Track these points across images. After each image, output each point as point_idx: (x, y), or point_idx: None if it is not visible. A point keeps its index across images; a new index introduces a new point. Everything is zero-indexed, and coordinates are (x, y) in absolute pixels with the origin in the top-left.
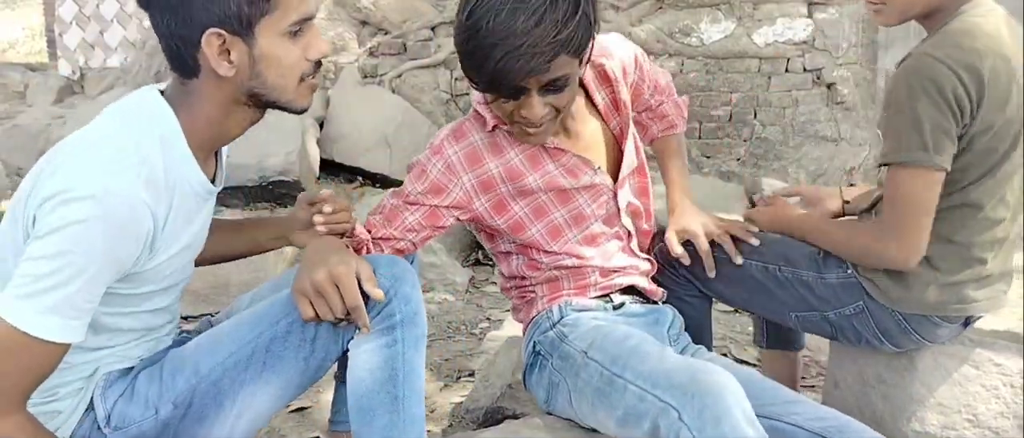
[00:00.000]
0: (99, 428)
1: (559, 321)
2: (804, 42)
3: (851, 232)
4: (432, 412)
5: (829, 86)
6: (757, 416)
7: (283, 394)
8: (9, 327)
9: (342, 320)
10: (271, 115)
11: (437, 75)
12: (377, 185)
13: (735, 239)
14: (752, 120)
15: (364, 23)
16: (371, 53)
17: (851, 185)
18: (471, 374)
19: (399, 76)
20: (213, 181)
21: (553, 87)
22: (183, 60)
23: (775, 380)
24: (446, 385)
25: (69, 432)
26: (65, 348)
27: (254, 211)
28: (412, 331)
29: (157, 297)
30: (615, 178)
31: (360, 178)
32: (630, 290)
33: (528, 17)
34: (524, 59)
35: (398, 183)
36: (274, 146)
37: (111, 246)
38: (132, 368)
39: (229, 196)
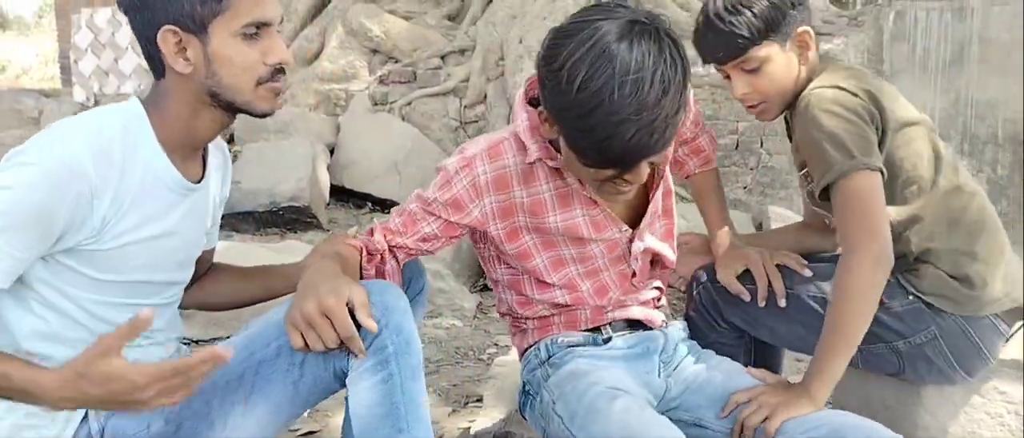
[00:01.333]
0: None
1: (546, 361)
2: None
3: (835, 297)
4: (440, 437)
5: None
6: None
7: (274, 418)
8: None
9: (334, 349)
10: (283, 143)
11: (446, 103)
12: (387, 211)
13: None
14: (759, 148)
15: (375, 51)
16: (381, 81)
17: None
18: (479, 399)
19: (409, 104)
20: (200, 181)
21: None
22: (152, 60)
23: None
24: (454, 410)
25: None
26: None
27: (265, 236)
28: (407, 361)
29: (150, 295)
30: (635, 224)
31: (370, 204)
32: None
33: (655, 88)
34: (657, 134)
35: None
36: (285, 172)
37: (38, 198)
38: None
39: (240, 221)
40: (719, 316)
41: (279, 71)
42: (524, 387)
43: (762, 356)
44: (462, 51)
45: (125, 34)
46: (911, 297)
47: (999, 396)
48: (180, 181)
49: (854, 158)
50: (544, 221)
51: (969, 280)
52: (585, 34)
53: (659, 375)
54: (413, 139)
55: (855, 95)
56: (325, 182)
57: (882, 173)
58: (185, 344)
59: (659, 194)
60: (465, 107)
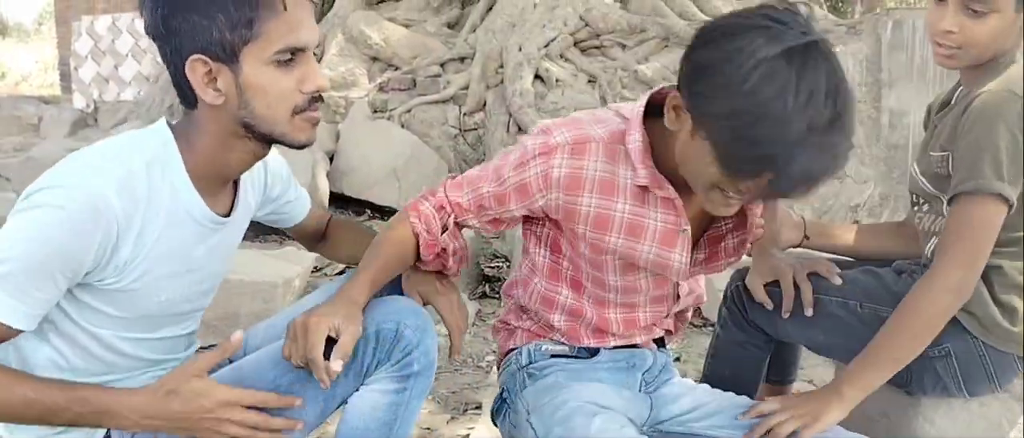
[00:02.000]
0: None
1: (527, 365)
2: None
3: (904, 311)
4: None
5: None
6: None
7: (299, 430)
8: None
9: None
10: (280, 149)
11: (446, 110)
12: (386, 218)
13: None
14: None
15: (375, 59)
16: (381, 88)
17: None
18: (478, 406)
19: (408, 111)
20: (230, 214)
21: None
22: (183, 90)
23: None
24: (453, 417)
25: None
26: (8, 331)
27: (264, 242)
28: (423, 382)
29: (168, 326)
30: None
31: (369, 211)
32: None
33: (847, 137)
34: (840, 161)
35: None
36: None
37: (64, 239)
38: None
39: None
40: (747, 314)
41: (316, 99)
42: (501, 393)
43: (779, 354)
44: (462, 59)
45: (125, 41)
46: None
47: (997, 403)
48: (208, 215)
49: (1001, 180)
50: (603, 238)
51: (1012, 311)
52: (761, 37)
53: (640, 390)
54: (412, 146)
55: None
56: (324, 189)
57: (1010, 207)
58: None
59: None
60: (465, 114)
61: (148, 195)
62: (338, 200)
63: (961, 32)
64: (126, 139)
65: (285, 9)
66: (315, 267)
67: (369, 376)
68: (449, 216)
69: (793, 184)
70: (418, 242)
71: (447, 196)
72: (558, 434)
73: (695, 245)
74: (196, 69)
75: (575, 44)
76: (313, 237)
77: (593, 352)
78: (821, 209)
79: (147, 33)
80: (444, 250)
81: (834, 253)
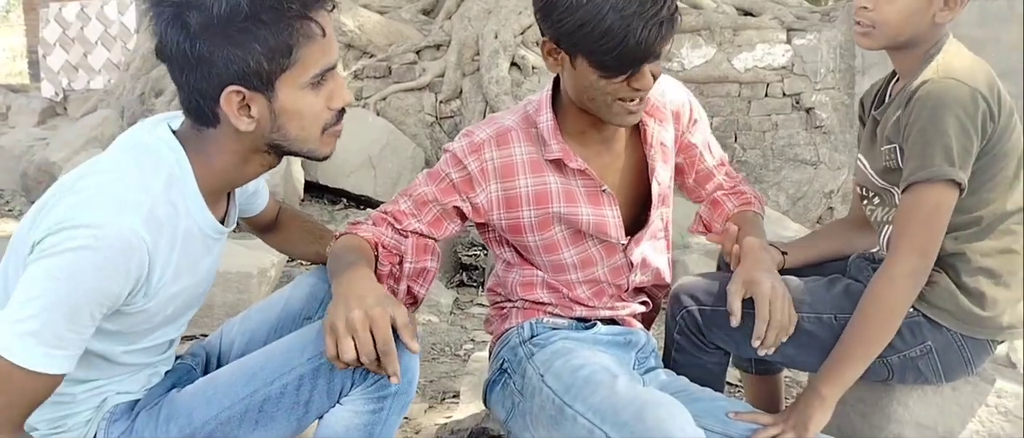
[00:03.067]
0: None
1: (529, 339)
2: (783, 67)
3: (874, 297)
4: (417, 433)
5: (808, 110)
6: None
7: None
8: (4, 360)
9: (361, 364)
10: None
11: (422, 98)
12: (362, 207)
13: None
14: (733, 143)
15: (350, 46)
16: (356, 76)
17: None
18: (456, 395)
19: (384, 99)
20: (223, 221)
21: (659, 54)
22: (202, 112)
23: (759, 400)
24: (431, 406)
25: None
26: (52, 379)
27: (238, 232)
28: (402, 400)
29: (165, 330)
30: (631, 231)
31: (345, 200)
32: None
33: None
34: (666, 24)
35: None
36: None
37: (100, 279)
38: (137, 401)
39: None
40: (703, 338)
41: (341, 113)
42: (500, 365)
43: (762, 362)
44: (437, 46)
45: (95, 28)
46: (912, 310)
47: (969, 388)
48: (216, 227)
49: (952, 166)
50: (547, 210)
51: (981, 298)
52: None
53: (633, 368)
54: (388, 134)
55: (986, 101)
56: (299, 178)
57: (962, 191)
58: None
59: (655, 195)
60: (441, 102)
61: (170, 218)
62: (313, 189)
63: (875, 9)
64: (143, 158)
65: (324, 35)
66: (291, 257)
67: (344, 396)
68: (389, 225)
69: (643, 58)
70: (376, 252)
71: (384, 211)
72: (579, 388)
73: (636, 208)
74: (231, 100)
75: None
76: (266, 226)
77: (589, 325)
78: (796, 195)
79: (161, 58)
80: (401, 258)
81: (811, 262)
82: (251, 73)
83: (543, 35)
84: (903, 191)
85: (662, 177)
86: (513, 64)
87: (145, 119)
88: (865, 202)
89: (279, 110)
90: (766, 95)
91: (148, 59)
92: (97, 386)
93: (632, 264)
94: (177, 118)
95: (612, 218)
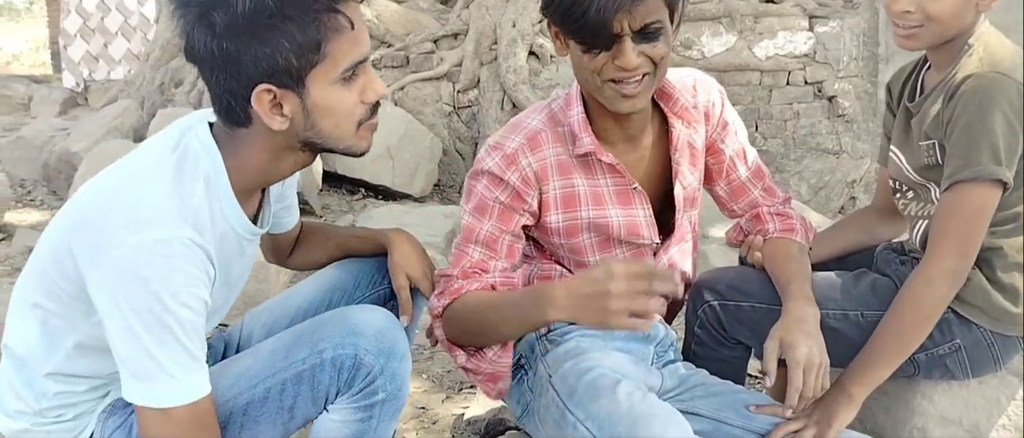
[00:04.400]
0: None
1: (545, 334)
2: (805, 55)
3: (910, 296)
4: (434, 424)
5: (830, 99)
6: (752, 433)
7: None
8: (155, 410)
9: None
10: None
11: (440, 88)
12: (379, 197)
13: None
14: (754, 133)
15: (368, 36)
16: (374, 66)
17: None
18: (472, 386)
19: (402, 89)
20: (256, 221)
21: (646, 33)
22: (234, 112)
23: (784, 393)
24: (448, 396)
25: None
26: (206, 399)
27: None
28: (392, 405)
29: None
30: (662, 233)
31: (363, 190)
32: None
33: None
34: None
35: (401, 195)
36: None
37: (190, 287)
38: None
39: None
40: (724, 333)
41: (376, 106)
42: (517, 360)
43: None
44: (455, 35)
45: (115, 19)
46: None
47: (996, 380)
48: (250, 228)
49: (999, 164)
50: (575, 215)
51: (1014, 292)
52: None
53: (652, 363)
54: (406, 124)
55: None
56: (317, 168)
57: (1006, 189)
58: None
59: (685, 217)
60: (458, 92)
61: (210, 221)
62: (331, 179)
63: (918, 10)
64: (182, 162)
65: (353, 28)
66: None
67: (330, 403)
68: (482, 276)
69: (604, 24)
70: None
71: (461, 272)
72: (582, 394)
73: (660, 210)
74: (262, 98)
75: None
76: (286, 248)
77: None
78: (817, 184)
79: (190, 59)
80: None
81: (836, 256)
82: (280, 70)
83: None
84: (945, 189)
85: (688, 180)
86: (531, 53)
87: (185, 117)
88: (898, 195)
89: (311, 107)
90: (788, 83)
91: (167, 49)
92: (101, 383)
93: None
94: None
95: (644, 218)
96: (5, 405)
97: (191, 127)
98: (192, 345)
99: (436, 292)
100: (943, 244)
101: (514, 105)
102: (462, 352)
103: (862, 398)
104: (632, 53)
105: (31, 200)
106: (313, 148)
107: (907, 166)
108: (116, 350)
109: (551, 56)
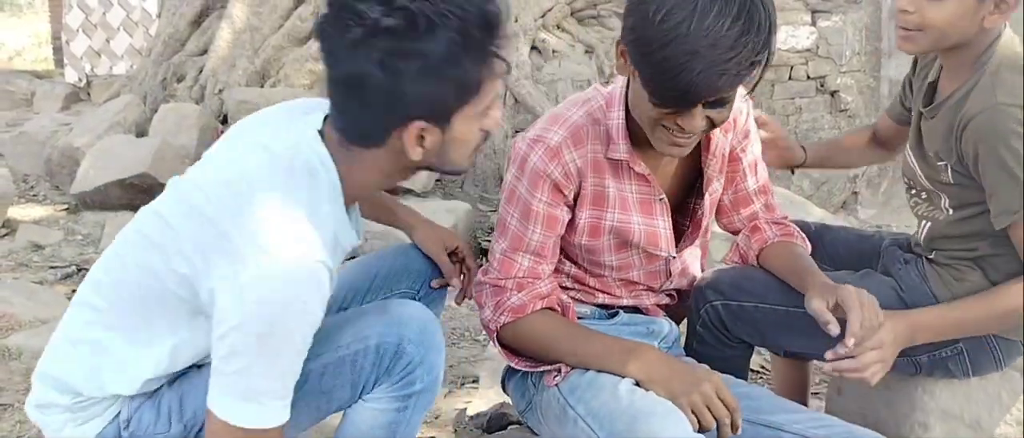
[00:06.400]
0: (119, 431)
1: None
2: (807, 50)
3: (995, 300)
4: (436, 418)
5: (833, 94)
6: (759, 425)
7: (291, 433)
8: (235, 427)
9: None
10: None
11: None
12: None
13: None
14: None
15: None
16: None
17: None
18: (475, 380)
19: None
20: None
21: (719, 102)
22: (369, 136)
23: (787, 387)
24: (450, 391)
25: (95, 431)
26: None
27: None
28: (426, 397)
29: None
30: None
31: None
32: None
33: (734, 29)
34: (728, 75)
35: (403, 190)
36: None
37: (306, 318)
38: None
39: None
40: (727, 332)
41: (487, 132)
42: None
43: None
44: None
45: (117, 14)
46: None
47: (997, 376)
48: (354, 242)
49: None
50: (601, 214)
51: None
52: None
53: None
54: None
55: None
56: None
57: None
58: None
59: (705, 206)
60: None
61: (334, 239)
62: None
63: (917, 13)
64: (307, 178)
65: (508, 70)
66: None
67: (367, 390)
68: (531, 285)
69: (692, 100)
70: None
71: (515, 283)
72: (584, 389)
73: (678, 218)
74: (412, 131)
75: (572, 14)
76: None
77: (612, 313)
78: (819, 179)
79: (345, 84)
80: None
81: (827, 167)
82: (437, 109)
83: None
84: (1002, 227)
85: (715, 188)
86: (533, 48)
87: (283, 109)
88: (911, 193)
89: (449, 139)
90: (790, 78)
91: (169, 45)
92: (137, 374)
93: (671, 273)
94: (321, 111)
95: (664, 229)
96: (66, 380)
97: (301, 132)
98: (289, 376)
99: (491, 303)
100: None
101: (516, 100)
102: (519, 360)
103: (914, 342)
104: (700, 118)
105: (34, 195)
106: (425, 170)
107: (920, 173)
108: (216, 354)
109: (553, 51)
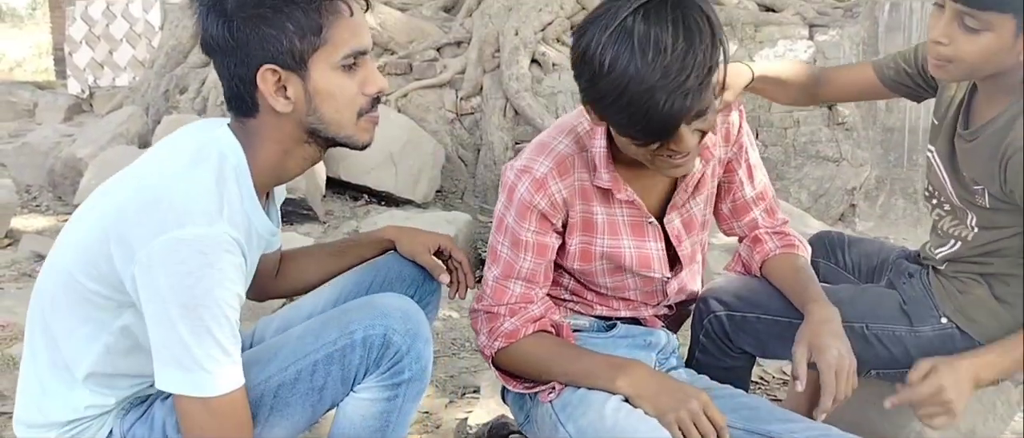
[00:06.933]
0: None
1: None
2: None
3: None
4: (437, 428)
5: (830, 107)
6: (757, 435)
7: (288, 434)
8: (194, 399)
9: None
10: None
11: (442, 95)
12: (382, 203)
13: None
14: (755, 140)
15: (371, 43)
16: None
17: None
18: (476, 390)
19: (405, 96)
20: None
21: (700, 113)
22: (243, 99)
23: (797, 397)
24: (451, 401)
25: None
26: (242, 388)
27: None
28: (416, 386)
29: None
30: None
31: (366, 196)
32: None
33: (677, 51)
34: (691, 95)
35: (403, 201)
36: None
37: (226, 285)
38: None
39: None
40: (729, 342)
41: (376, 100)
42: None
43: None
44: (458, 43)
45: (120, 26)
46: (944, 320)
47: (991, 386)
48: (269, 227)
49: None
50: (591, 240)
51: (1017, 310)
52: (604, 20)
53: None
54: (409, 131)
55: None
56: (321, 174)
57: None
58: None
59: (695, 239)
60: (461, 99)
61: (242, 221)
62: (334, 185)
63: (951, 44)
64: (212, 160)
65: (351, 14)
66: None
67: (358, 383)
68: (523, 309)
69: (670, 132)
70: (556, 333)
71: (508, 309)
72: (574, 406)
73: (670, 236)
74: (267, 79)
75: (571, 28)
76: (271, 269)
77: (610, 325)
78: (817, 192)
79: (205, 49)
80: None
81: (764, 94)
82: (284, 52)
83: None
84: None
85: (689, 212)
86: (533, 61)
87: (203, 120)
88: (933, 202)
89: (313, 91)
90: None
91: (172, 56)
92: (137, 388)
93: (667, 293)
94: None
95: (656, 251)
96: (29, 419)
97: (211, 129)
98: (226, 340)
99: (485, 330)
100: None
101: (516, 112)
102: (516, 382)
103: (986, 381)
104: (690, 137)
105: (37, 206)
106: (318, 139)
107: (950, 190)
108: (152, 336)
109: (553, 64)
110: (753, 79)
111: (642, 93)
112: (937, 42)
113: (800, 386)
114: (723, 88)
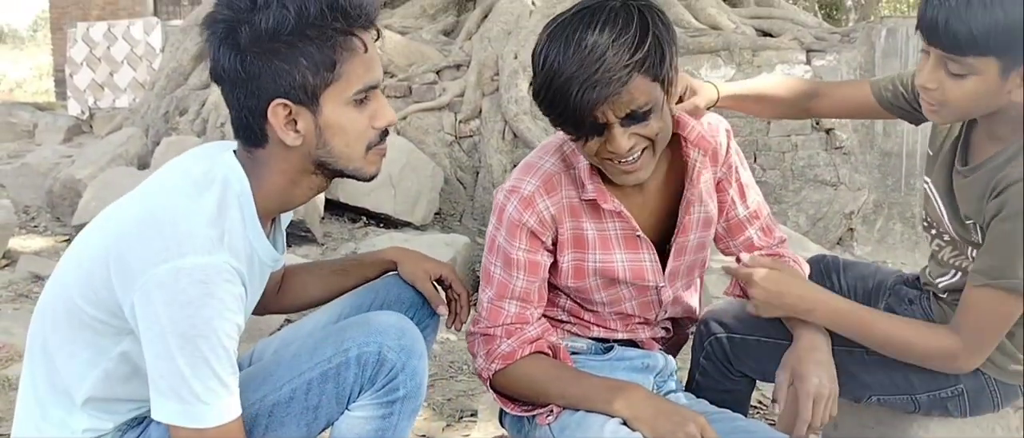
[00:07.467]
0: None
1: None
2: None
3: (914, 332)
4: None
5: (828, 131)
6: None
7: None
8: (190, 430)
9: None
10: None
11: (441, 118)
12: (381, 225)
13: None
14: (752, 164)
15: None
16: None
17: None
18: (473, 413)
19: (404, 119)
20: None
21: (635, 116)
22: (251, 130)
23: (792, 414)
24: (448, 424)
25: None
26: (239, 419)
27: None
28: (411, 404)
29: None
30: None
31: (364, 218)
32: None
33: (596, 44)
34: (600, 86)
35: (402, 223)
36: None
37: (225, 316)
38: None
39: None
40: (730, 365)
41: (385, 133)
42: None
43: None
44: (457, 66)
45: (121, 48)
46: None
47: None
48: (272, 254)
49: None
50: (583, 257)
51: (1015, 333)
52: (554, 29)
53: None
54: (408, 153)
55: None
56: (320, 196)
57: None
58: None
59: (692, 240)
60: (460, 121)
61: (243, 249)
62: (333, 207)
63: (939, 89)
64: (214, 186)
65: (366, 50)
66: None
67: (353, 401)
68: (519, 330)
69: (583, 119)
70: (553, 354)
71: (504, 331)
72: (572, 430)
73: (663, 253)
74: (278, 113)
75: None
76: (273, 288)
77: (607, 348)
78: (816, 215)
79: (215, 78)
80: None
81: (744, 110)
82: (297, 87)
83: None
84: (978, 285)
85: (701, 215)
86: (532, 84)
87: (210, 144)
88: (932, 233)
89: (324, 125)
90: None
91: (172, 79)
92: (134, 414)
93: (663, 302)
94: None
95: (649, 262)
96: None
97: (217, 154)
98: (223, 372)
99: (482, 352)
100: (966, 340)
101: (515, 135)
102: (514, 405)
103: (819, 319)
104: (622, 138)
105: (35, 227)
106: (325, 170)
107: (947, 223)
108: (149, 365)
109: None
110: (718, 98)
111: (561, 84)
112: (925, 88)
113: (779, 409)
114: (669, 95)
